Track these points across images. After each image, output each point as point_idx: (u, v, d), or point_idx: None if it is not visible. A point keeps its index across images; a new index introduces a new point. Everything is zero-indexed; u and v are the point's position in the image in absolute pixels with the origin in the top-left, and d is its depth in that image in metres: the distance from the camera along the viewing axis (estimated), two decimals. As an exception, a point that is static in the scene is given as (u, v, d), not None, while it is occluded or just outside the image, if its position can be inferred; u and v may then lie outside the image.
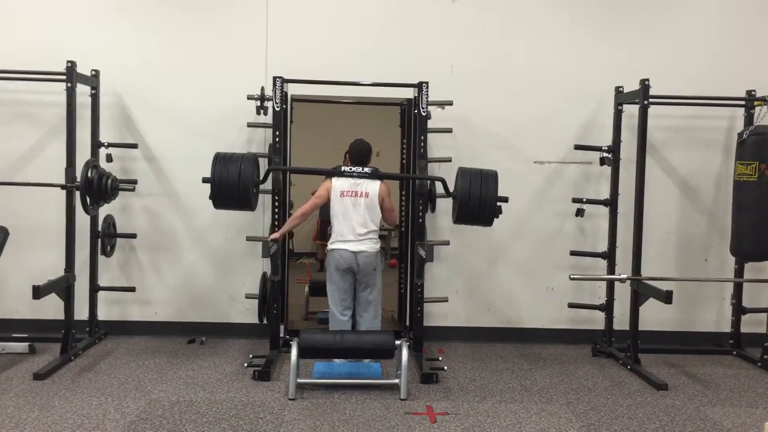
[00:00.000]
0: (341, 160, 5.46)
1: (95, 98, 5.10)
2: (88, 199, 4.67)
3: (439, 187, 5.12)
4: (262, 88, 5.01)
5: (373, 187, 4.60)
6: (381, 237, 4.76)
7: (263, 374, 4.41)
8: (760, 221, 4.60)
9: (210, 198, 4.45)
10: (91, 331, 5.16)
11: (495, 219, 4.46)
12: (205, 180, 4.42)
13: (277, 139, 4.84)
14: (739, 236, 4.74)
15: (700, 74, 5.35)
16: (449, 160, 5.12)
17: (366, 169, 4.60)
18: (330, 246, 4.64)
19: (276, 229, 4.79)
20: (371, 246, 4.58)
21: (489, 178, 4.44)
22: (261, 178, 4.63)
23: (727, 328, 5.41)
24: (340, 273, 4.60)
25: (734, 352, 5.27)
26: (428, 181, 4.96)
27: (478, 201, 4.39)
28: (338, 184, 4.61)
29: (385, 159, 5.63)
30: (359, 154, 4.74)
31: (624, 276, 4.89)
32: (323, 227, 6.33)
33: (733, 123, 5.38)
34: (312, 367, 4.53)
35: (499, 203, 4.41)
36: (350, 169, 4.61)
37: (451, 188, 4.62)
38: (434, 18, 5.35)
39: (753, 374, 4.85)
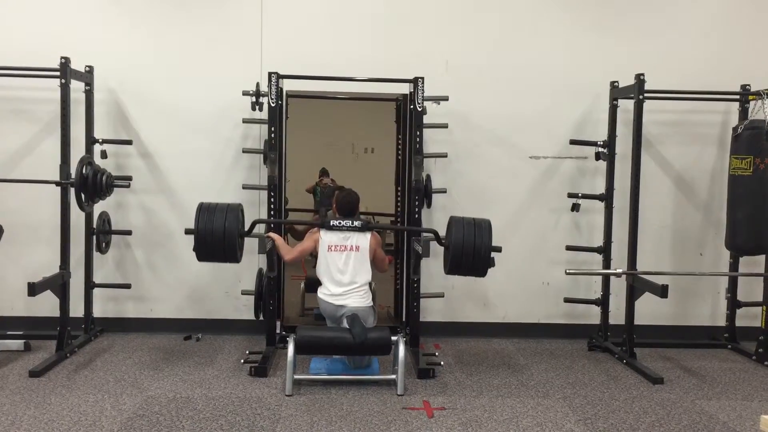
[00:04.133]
0: (335, 156, 5.41)
1: (89, 94, 5.08)
2: (82, 195, 4.66)
3: (434, 183, 5.15)
4: (257, 84, 5.00)
5: (364, 240, 4.43)
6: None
7: (260, 370, 4.41)
8: (755, 215, 4.62)
9: (194, 250, 4.22)
10: (87, 328, 5.14)
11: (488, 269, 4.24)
12: (188, 231, 4.22)
13: (272, 135, 4.84)
14: (733, 230, 4.76)
15: (695, 69, 5.36)
16: (445, 155, 5.12)
17: (356, 223, 4.42)
18: (318, 294, 4.49)
19: (272, 226, 4.79)
20: (357, 301, 4.37)
21: (483, 228, 4.19)
22: (246, 229, 4.40)
23: (722, 321, 5.44)
24: (327, 318, 4.51)
25: (729, 346, 5.29)
26: (423, 177, 4.97)
27: (472, 253, 4.13)
28: (327, 237, 4.42)
29: (380, 155, 5.62)
30: (347, 206, 4.54)
31: (619, 270, 4.88)
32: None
33: (728, 117, 5.39)
34: (308, 363, 4.52)
35: (492, 254, 4.18)
36: (339, 222, 4.42)
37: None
38: (429, 13, 5.34)
39: (748, 367, 4.87)
